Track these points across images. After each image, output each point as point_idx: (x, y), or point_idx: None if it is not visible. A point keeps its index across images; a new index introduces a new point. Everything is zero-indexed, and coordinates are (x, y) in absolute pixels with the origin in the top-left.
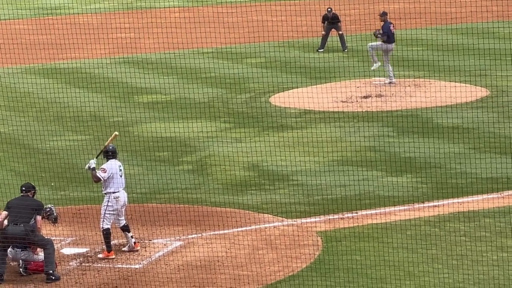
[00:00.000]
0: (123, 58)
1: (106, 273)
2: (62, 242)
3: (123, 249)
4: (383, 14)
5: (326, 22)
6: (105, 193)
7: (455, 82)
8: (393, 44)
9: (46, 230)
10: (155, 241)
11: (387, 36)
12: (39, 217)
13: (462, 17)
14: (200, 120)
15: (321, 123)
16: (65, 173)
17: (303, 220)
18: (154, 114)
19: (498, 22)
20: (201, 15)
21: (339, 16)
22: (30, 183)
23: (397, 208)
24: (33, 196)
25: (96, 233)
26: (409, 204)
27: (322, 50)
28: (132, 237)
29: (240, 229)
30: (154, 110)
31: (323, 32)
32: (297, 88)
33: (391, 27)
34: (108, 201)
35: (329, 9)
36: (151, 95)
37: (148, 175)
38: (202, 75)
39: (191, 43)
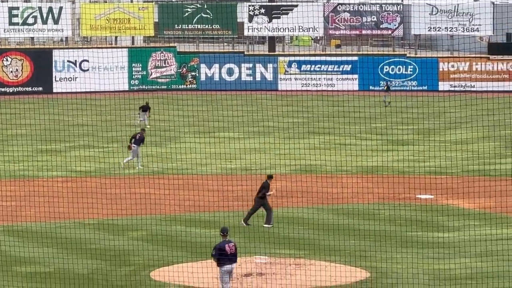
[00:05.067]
0: (3, 226)
1: None
2: None
3: None
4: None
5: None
6: None
7: (335, 262)
8: None
9: None
10: None
11: None
12: None
13: (344, 198)
14: None
15: None
16: None
17: None
18: (33, 285)
19: (378, 204)
20: (85, 185)
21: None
22: None
23: None
24: None
25: None
26: None
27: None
28: None
29: None
30: (33, 281)
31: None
32: (179, 263)
33: None
34: None
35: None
36: (31, 265)
37: None
38: (83, 246)
39: (74, 214)
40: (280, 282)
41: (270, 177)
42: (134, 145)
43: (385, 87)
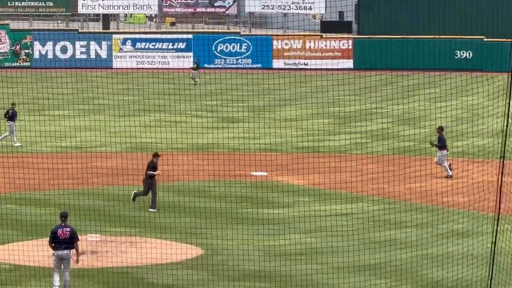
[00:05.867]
0: None
1: None
2: None
3: None
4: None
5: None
6: None
7: (169, 240)
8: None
9: None
10: None
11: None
12: None
13: (176, 175)
14: None
15: (31, 279)
16: None
17: None
18: None
19: (209, 181)
20: None
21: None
22: None
23: None
24: None
25: None
26: None
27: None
28: None
29: None
30: None
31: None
32: (10, 242)
33: None
34: None
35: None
36: None
37: None
38: None
39: None
40: (113, 260)
41: (156, 155)
42: (9, 122)
43: (195, 65)
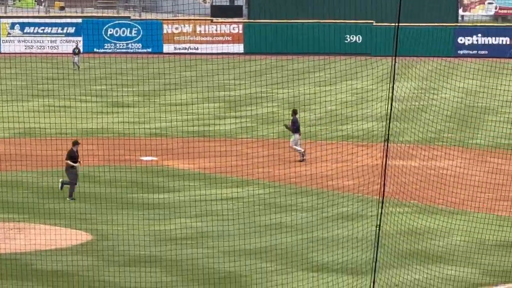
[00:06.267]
0: None
1: None
2: None
3: None
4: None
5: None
6: None
7: (56, 225)
8: None
9: None
10: None
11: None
12: None
13: (63, 161)
14: None
15: None
16: None
17: None
18: None
19: (94, 167)
20: None
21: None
22: None
23: None
24: None
25: None
26: None
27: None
28: None
29: None
30: None
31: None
32: None
33: None
34: None
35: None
36: None
37: None
38: None
39: None
40: (0, 246)
41: (75, 143)
42: None
43: (76, 50)
